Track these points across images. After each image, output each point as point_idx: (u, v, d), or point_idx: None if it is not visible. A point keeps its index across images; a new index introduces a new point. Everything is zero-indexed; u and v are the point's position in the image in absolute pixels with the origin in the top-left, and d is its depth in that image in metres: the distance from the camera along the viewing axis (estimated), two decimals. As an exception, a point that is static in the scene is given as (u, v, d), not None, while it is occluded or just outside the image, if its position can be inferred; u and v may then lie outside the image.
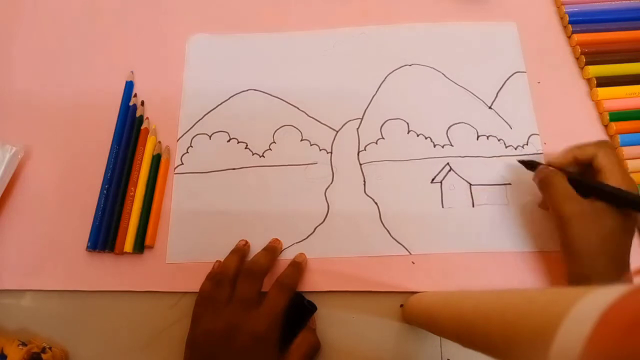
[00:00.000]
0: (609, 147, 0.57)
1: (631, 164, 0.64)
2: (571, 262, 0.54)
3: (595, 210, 0.53)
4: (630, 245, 0.54)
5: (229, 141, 0.68)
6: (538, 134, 0.67)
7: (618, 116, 0.67)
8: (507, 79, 0.70)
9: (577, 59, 0.72)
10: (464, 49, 0.72)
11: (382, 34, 0.74)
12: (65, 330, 0.60)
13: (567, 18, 0.73)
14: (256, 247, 0.62)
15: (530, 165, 0.61)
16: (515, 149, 0.66)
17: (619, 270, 0.52)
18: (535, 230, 0.62)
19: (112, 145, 0.67)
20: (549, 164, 0.58)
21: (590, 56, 0.70)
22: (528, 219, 0.62)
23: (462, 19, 0.74)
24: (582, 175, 0.57)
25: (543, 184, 0.58)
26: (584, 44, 0.71)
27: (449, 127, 0.67)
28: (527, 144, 0.66)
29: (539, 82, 0.70)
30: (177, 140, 0.68)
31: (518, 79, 0.70)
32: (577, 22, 0.73)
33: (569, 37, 0.73)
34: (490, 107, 0.68)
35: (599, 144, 0.57)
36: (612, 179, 0.54)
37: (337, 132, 0.68)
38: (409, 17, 0.75)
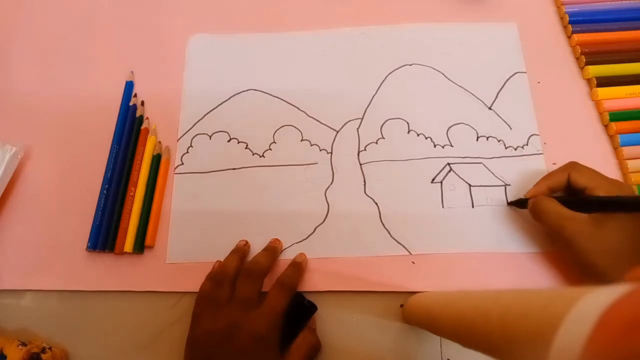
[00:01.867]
0: (578, 166, 0.58)
1: (631, 164, 0.64)
2: (593, 275, 0.53)
3: (595, 222, 0.53)
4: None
5: (229, 141, 0.68)
6: (538, 135, 0.67)
7: (618, 116, 0.67)
8: (508, 79, 0.70)
9: (577, 59, 0.72)
10: (464, 49, 0.72)
11: (383, 34, 0.74)
12: (65, 331, 0.60)
13: (567, 18, 0.73)
14: (256, 247, 0.62)
15: (520, 203, 0.61)
16: (515, 149, 0.66)
17: None
18: (534, 231, 0.62)
19: (112, 145, 0.67)
20: (529, 196, 0.59)
21: (590, 56, 0.70)
22: (527, 220, 0.62)
23: (462, 20, 0.74)
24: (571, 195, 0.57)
25: (536, 213, 0.58)
26: (584, 44, 0.71)
27: (449, 128, 0.67)
28: (527, 145, 0.66)
29: (539, 82, 0.70)
30: (177, 140, 0.68)
31: (518, 79, 0.70)
32: (577, 22, 0.73)
33: (569, 37, 0.73)
34: (490, 108, 0.69)
35: (566, 166, 0.59)
36: (599, 191, 0.55)
37: (338, 132, 0.68)
38: (409, 17, 0.75)
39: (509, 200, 0.63)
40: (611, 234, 0.52)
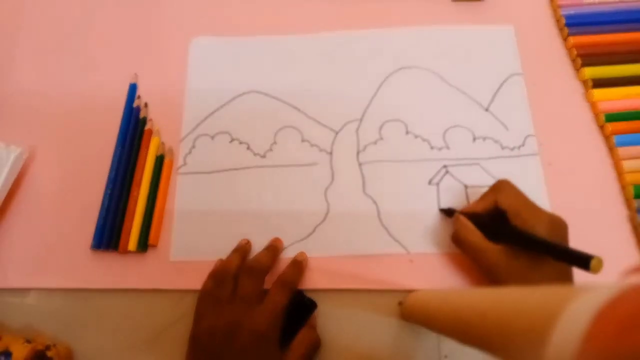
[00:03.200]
0: (505, 186, 0.57)
1: (626, 165, 0.65)
2: None
3: (507, 254, 0.53)
4: (565, 279, 0.53)
5: (231, 142, 0.69)
6: (534, 135, 0.68)
7: (613, 117, 0.67)
8: (504, 81, 0.71)
9: (573, 60, 0.72)
10: (461, 52, 0.73)
11: (382, 37, 0.74)
12: (70, 328, 0.60)
13: (563, 20, 0.74)
14: (257, 246, 0.63)
15: (448, 212, 0.62)
16: (512, 150, 0.67)
17: None
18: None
19: (116, 146, 0.68)
20: (463, 212, 0.59)
21: (586, 58, 0.71)
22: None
23: (460, 23, 0.75)
24: (496, 220, 0.57)
25: (456, 241, 0.59)
26: (580, 46, 0.72)
27: (446, 130, 0.68)
28: (523, 145, 0.67)
29: (535, 84, 0.71)
30: (180, 141, 0.69)
31: (515, 81, 0.71)
32: (573, 24, 0.73)
33: (565, 40, 0.74)
34: (487, 110, 0.69)
35: (495, 186, 0.58)
36: (516, 218, 0.54)
37: (337, 133, 0.69)
38: (408, 20, 0.75)
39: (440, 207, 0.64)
40: (522, 266, 0.52)
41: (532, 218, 0.54)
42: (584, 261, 0.46)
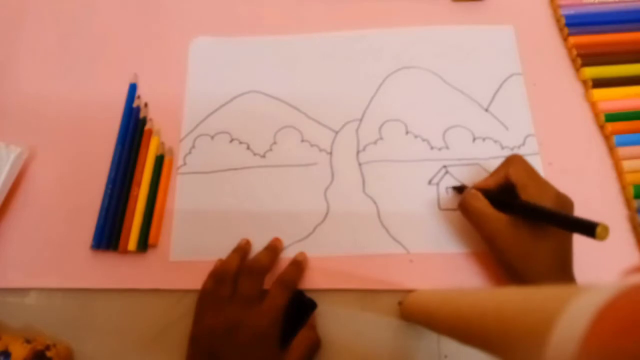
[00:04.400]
0: (517, 160, 0.58)
1: (626, 165, 0.65)
2: (513, 274, 0.55)
3: (512, 225, 0.54)
4: (564, 251, 0.54)
5: (231, 142, 0.69)
6: (534, 135, 0.67)
7: (613, 117, 0.67)
8: (504, 81, 0.71)
9: (573, 60, 0.72)
10: (461, 52, 0.73)
11: (381, 37, 0.74)
12: (70, 328, 0.60)
13: (563, 20, 0.74)
14: (257, 246, 0.63)
15: (460, 190, 0.63)
16: (512, 149, 0.67)
17: (558, 279, 0.52)
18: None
19: (116, 145, 0.68)
20: (474, 187, 0.59)
21: (586, 58, 0.71)
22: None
23: (459, 23, 0.75)
24: (505, 194, 0.57)
25: (462, 208, 0.59)
26: (580, 46, 0.72)
27: (445, 130, 0.68)
28: (523, 145, 0.67)
29: (535, 84, 0.71)
30: (180, 141, 0.69)
31: (514, 81, 0.71)
32: (573, 24, 0.73)
33: (565, 40, 0.74)
34: (486, 110, 0.69)
35: (507, 160, 0.59)
36: (524, 192, 0.55)
37: (337, 133, 0.69)
38: (407, 20, 0.75)
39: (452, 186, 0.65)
40: (524, 238, 0.53)
41: (540, 192, 0.55)
42: (590, 228, 0.47)
